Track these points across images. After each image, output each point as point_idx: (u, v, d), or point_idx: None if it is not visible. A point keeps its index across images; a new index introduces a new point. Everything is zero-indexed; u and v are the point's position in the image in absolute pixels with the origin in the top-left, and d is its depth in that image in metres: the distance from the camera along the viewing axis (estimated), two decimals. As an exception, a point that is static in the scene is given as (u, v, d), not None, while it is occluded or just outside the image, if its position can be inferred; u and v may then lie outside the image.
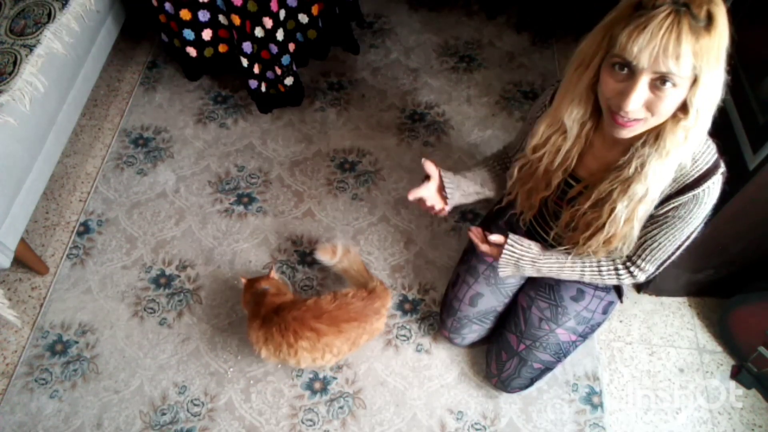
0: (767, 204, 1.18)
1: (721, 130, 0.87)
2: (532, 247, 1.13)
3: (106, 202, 1.83)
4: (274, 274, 1.45)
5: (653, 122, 0.82)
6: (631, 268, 1.07)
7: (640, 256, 1.05)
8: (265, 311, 1.32)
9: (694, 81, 0.76)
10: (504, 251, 1.12)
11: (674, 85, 0.76)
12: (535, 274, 1.16)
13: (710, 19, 0.72)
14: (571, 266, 1.12)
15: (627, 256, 1.07)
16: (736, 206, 1.19)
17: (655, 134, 0.85)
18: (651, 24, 0.72)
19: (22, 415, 1.44)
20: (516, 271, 1.17)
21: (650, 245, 1.01)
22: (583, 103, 0.90)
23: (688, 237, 0.99)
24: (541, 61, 2.19)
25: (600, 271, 1.11)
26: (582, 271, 1.12)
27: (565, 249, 1.10)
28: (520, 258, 1.13)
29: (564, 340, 1.29)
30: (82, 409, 1.45)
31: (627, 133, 0.85)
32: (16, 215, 1.50)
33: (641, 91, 0.77)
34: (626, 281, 1.10)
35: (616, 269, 1.09)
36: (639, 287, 1.62)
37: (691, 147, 0.85)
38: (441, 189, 1.18)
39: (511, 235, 1.13)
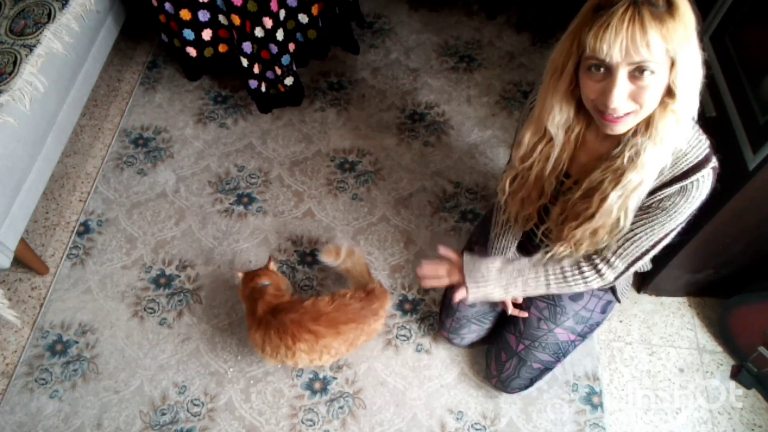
0: (767, 204, 1.18)
1: (721, 130, 0.87)
2: (490, 265, 1.08)
3: (106, 202, 1.83)
4: (273, 266, 1.45)
5: (644, 113, 0.83)
6: (599, 265, 1.02)
7: (611, 250, 1.00)
8: (262, 311, 1.32)
9: (672, 65, 0.78)
10: (464, 272, 1.09)
11: (652, 72, 0.77)
12: (503, 296, 1.10)
13: (669, 3, 0.74)
14: (535, 277, 1.06)
15: (597, 251, 1.02)
16: (736, 206, 1.19)
17: (646, 122, 0.85)
18: (613, 20, 0.74)
19: (22, 415, 1.44)
20: (482, 294, 1.09)
21: (626, 237, 0.97)
22: (564, 108, 0.90)
23: (666, 235, 0.96)
24: (541, 61, 2.19)
25: (564, 276, 1.05)
26: (547, 280, 1.07)
27: (545, 249, 1.05)
28: (481, 277, 1.08)
29: (563, 339, 1.29)
30: (82, 409, 1.45)
31: (621, 128, 0.85)
32: (16, 215, 1.50)
33: (622, 85, 0.78)
34: (593, 283, 1.04)
35: (580, 269, 1.04)
36: (639, 286, 1.61)
37: (684, 130, 0.85)
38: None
39: (465, 253, 1.10)
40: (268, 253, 1.71)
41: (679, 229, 0.96)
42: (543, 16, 2.21)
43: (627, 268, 1.01)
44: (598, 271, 1.03)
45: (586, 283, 1.05)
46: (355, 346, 1.38)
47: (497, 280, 1.08)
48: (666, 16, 0.74)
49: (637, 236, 0.96)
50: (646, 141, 0.85)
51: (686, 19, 0.75)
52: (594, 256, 1.03)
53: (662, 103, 0.82)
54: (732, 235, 1.29)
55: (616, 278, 1.04)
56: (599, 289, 1.22)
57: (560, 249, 1.02)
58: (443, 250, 1.16)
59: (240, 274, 1.43)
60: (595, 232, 0.95)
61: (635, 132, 0.86)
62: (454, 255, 1.15)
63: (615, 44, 0.74)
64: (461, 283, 1.11)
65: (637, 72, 0.77)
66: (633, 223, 0.96)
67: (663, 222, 0.93)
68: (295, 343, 1.27)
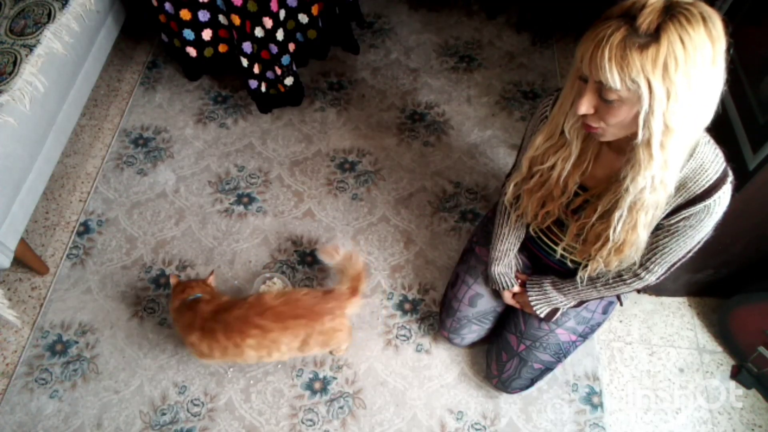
0: (767, 204, 1.18)
1: (721, 130, 0.87)
2: (546, 281, 1.25)
3: (106, 202, 1.83)
4: (212, 281, 1.43)
5: (615, 131, 0.83)
6: (638, 271, 1.07)
7: (649, 260, 1.04)
8: (201, 320, 1.30)
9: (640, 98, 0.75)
10: (528, 293, 1.26)
11: (613, 96, 0.76)
12: (568, 301, 1.23)
13: (656, 35, 0.69)
14: (585, 288, 1.17)
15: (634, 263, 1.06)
16: (736, 206, 1.17)
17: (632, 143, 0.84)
18: (592, 34, 0.74)
19: (22, 415, 1.44)
20: (549, 304, 1.25)
21: (661, 251, 1.01)
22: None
23: (699, 242, 0.99)
24: (541, 61, 2.19)
25: (608, 283, 1.13)
26: (595, 287, 1.16)
27: (580, 262, 1.11)
28: (546, 292, 1.24)
29: (564, 340, 1.29)
30: (82, 409, 1.45)
31: (597, 137, 0.88)
32: (16, 215, 1.50)
33: (588, 96, 0.79)
34: (634, 284, 1.10)
35: (621, 278, 1.10)
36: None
37: (663, 163, 0.80)
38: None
39: (528, 280, 1.29)
40: (269, 254, 1.71)
41: (708, 234, 0.98)
42: (543, 16, 2.21)
43: (666, 272, 1.07)
44: (636, 275, 1.08)
45: (628, 285, 1.11)
46: (311, 347, 1.33)
47: (552, 283, 1.24)
48: (636, 48, 0.70)
49: (672, 249, 1.01)
50: (635, 164, 0.83)
51: (672, 57, 0.69)
52: (633, 266, 1.07)
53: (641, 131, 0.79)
54: (732, 235, 1.29)
55: (657, 279, 1.08)
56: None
57: (594, 266, 1.06)
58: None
59: (174, 280, 1.41)
60: (619, 250, 0.98)
61: (632, 150, 0.84)
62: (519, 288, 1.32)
63: (585, 58, 0.75)
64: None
65: (601, 91, 0.77)
66: (664, 238, 1.00)
67: (692, 235, 0.97)
68: (243, 340, 1.26)
